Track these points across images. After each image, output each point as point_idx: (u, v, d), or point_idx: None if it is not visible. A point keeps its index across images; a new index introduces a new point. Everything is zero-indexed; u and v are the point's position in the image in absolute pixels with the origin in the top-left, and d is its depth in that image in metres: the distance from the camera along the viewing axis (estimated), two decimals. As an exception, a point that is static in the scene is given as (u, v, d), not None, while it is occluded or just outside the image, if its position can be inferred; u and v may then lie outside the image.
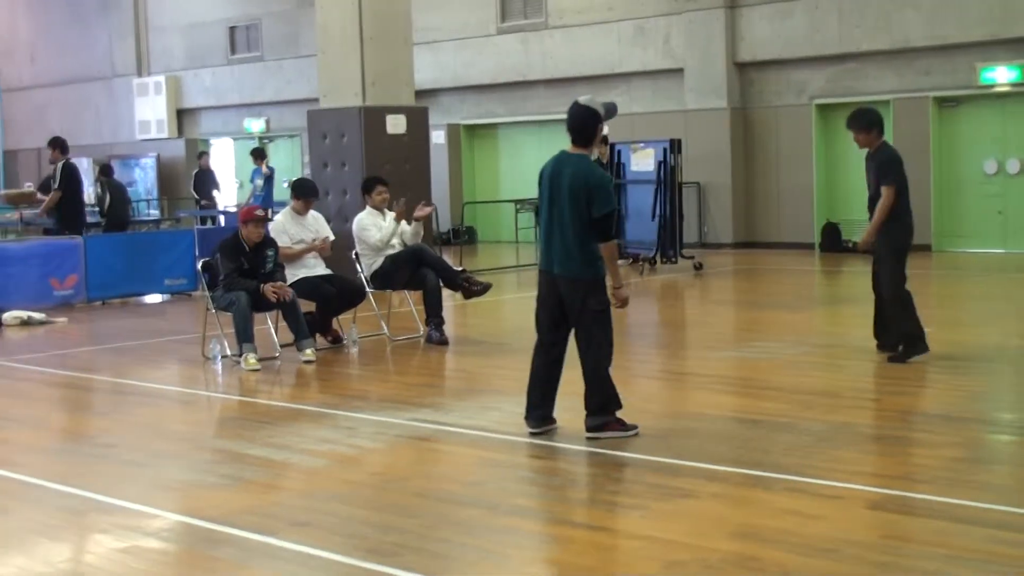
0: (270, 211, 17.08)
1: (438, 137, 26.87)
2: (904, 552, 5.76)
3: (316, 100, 19.69)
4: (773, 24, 23.06)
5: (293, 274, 12.20)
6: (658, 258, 19.93)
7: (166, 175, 32.68)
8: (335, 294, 12.34)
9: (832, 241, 22.42)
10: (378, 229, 12.70)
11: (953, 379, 10.08)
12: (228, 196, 30.82)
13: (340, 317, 12.77)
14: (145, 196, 32.30)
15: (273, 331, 12.20)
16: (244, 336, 11.41)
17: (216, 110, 32.42)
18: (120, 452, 8.41)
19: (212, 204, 27.90)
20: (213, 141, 32.90)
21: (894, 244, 10.59)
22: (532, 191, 25.94)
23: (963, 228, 21.63)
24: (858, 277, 14.42)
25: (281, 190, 25.19)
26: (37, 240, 18.29)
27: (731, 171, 23.61)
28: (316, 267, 12.53)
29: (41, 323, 15.33)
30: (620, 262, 9.40)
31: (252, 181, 25.75)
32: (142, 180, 32.93)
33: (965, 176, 21.57)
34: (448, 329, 12.82)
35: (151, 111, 33.17)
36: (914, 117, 21.38)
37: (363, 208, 13.07)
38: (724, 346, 12.36)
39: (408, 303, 13.50)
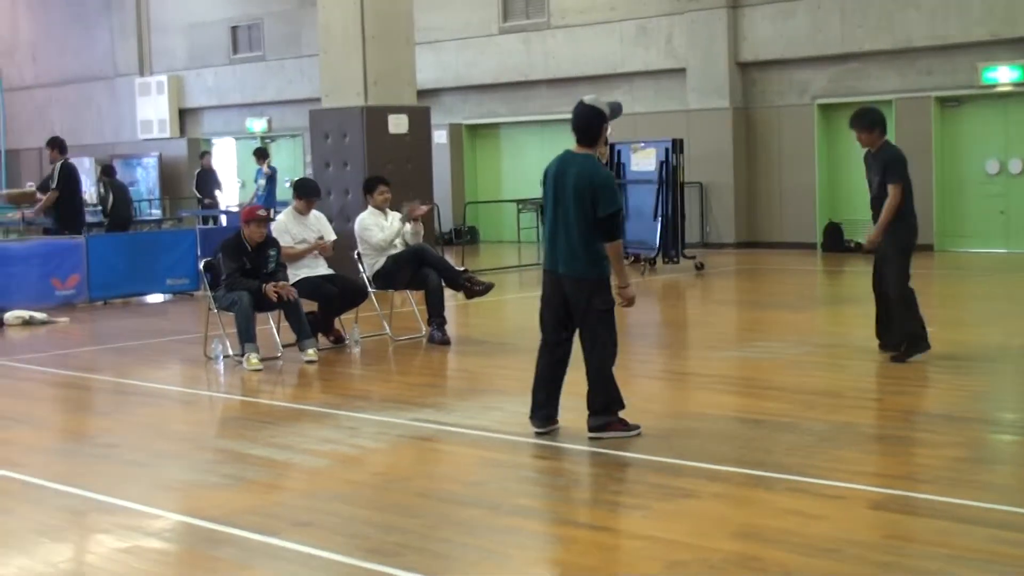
0: (272, 211, 17.10)
1: (440, 137, 26.87)
2: (906, 552, 5.76)
3: (318, 100, 19.69)
4: (775, 24, 23.06)
5: (295, 274, 12.20)
6: (660, 258, 19.92)
7: (168, 175, 32.69)
8: (337, 294, 12.34)
9: (834, 241, 22.42)
10: (380, 229, 12.70)
11: (955, 379, 10.08)
12: (230, 196, 30.83)
13: (342, 317, 12.77)
14: (147, 196, 32.31)
15: (275, 331, 12.20)
16: (246, 336, 11.41)
17: (218, 110, 32.42)
18: (122, 452, 8.40)
19: (215, 204, 27.91)
20: (215, 141, 32.90)
21: (900, 243, 10.60)
22: (534, 191, 26.02)
23: (965, 228, 21.62)
24: (860, 277, 14.41)
25: (283, 190, 25.21)
26: (39, 240, 18.29)
27: (733, 171, 23.60)
28: (318, 267, 12.53)
29: (43, 323, 15.33)
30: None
31: (256, 181, 25.77)
32: (144, 180, 32.93)
33: (967, 176, 21.56)
34: (450, 329, 12.82)
35: (153, 111, 33.18)
36: (916, 117, 21.37)
37: (365, 208, 13.07)
38: (726, 346, 12.35)
39: (410, 303, 13.50)
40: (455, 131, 28.15)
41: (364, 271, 12.85)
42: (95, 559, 6.13)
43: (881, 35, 21.76)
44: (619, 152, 20.64)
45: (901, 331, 10.69)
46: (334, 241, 12.77)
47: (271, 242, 11.93)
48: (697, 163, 22.97)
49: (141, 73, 33.64)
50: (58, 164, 18.61)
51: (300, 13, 29.53)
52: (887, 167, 10.56)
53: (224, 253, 11.71)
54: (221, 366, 11.69)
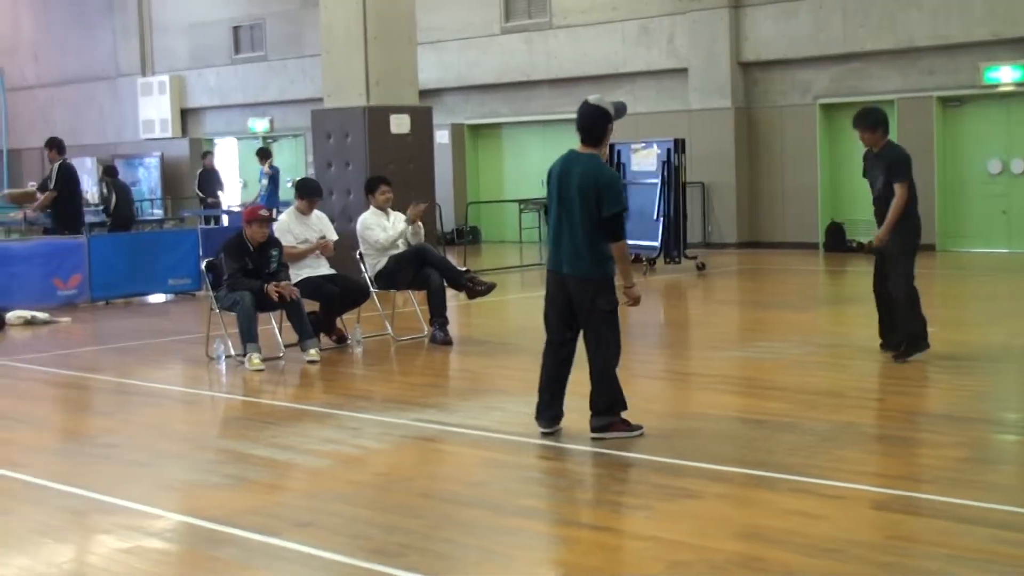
0: (275, 211, 17.10)
1: (442, 137, 26.86)
2: (908, 552, 5.75)
3: (320, 100, 19.68)
4: (777, 24, 23.05)
5: (297, 274, 12.20)
6: (662, 258, 19.89)
7: (170, 175, 32.69)
8: (338, 293, 12.34)
9: (836, 241, 22.41)
10: (382, 229, 12.69)
11: (957, 379, 10.07)
12: (232, 196, 30.82)
13: (344, 317, 12.76)
14: (149, 196, 32.32)
15: (277, 331, 12.19)
16: (248, 336, 11.41)
17: (220, 110, 32.42)
18: (123, 452, 8.40)
19: (217, 204, 27.92)
20: (217, 141, 32.90)
21: (906, 242, 10.62)
22: (536, 191, 25.99)
23: (967, 228, 21.61)
24: (862, 277, 14.38)
25: (286, 190, 25.20)
26: (41, 240, 18.29)
27: (735, 171, 23.59)
28: (320, 267, 12.53)
29: (45, 323, 15.32)
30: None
31: (260, 181, 25.79)
32: (146, 180, 32.94)
33: (969, 176, 21.55)
34: (452, 329, 12.81)
35: (155, 111, 33.17)
36: (918, 117, 21.36)
37: (367, 208, 13.06)
38: (728, 346, 12.34)
39: (412, 303, 13.50)
40: (457, 131, 28.14)
41: (366, 271, 12.84)
42: (96, 559, 6.12)
43: (883, 35, 21.75)
44: (619, 152, 20.63)
45: (903, 330, 10.70)
46: (336, 241, 12.77)
47: (273, 242, 11.93)
48: (699, 163, 22.96)
49: (143, 73, 33.64)
50: (56, 164, 18.63)
51: (302, 13, 29.53)
52: (893, 166, 10.57)
53: (226, 253, 11.71)
54: (223, 366, 11.68)
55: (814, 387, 9.85)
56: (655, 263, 19.79)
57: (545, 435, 8.21)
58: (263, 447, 8.28)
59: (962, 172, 21.58)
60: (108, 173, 22.58)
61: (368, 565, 5.75)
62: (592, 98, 8.23)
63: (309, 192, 12.83)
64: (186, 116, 33.15)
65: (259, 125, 31.49)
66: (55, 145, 18.85)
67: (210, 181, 28.01)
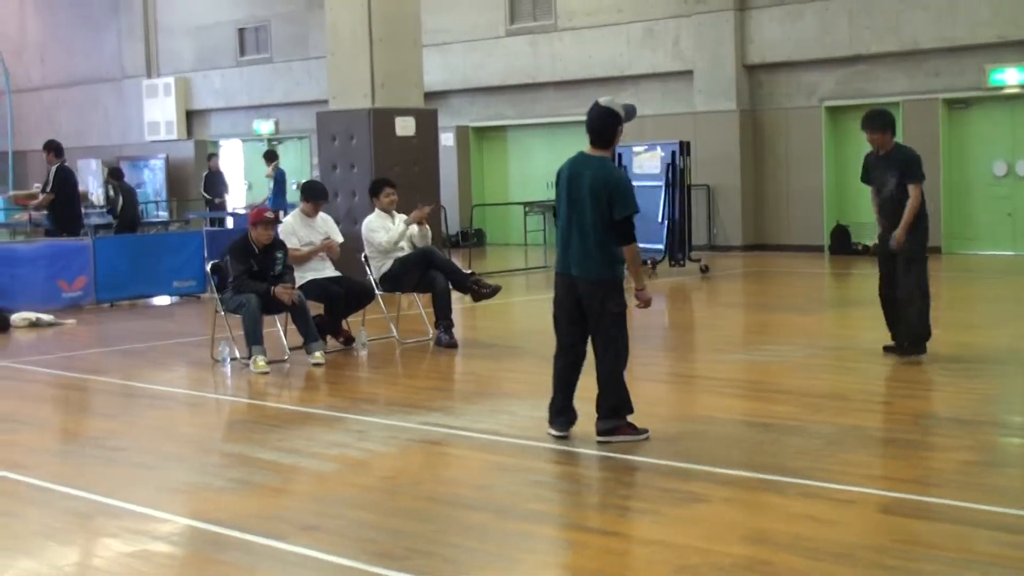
0: (281, 213, 17.09)
1: (447, 139, 26.84)
2: (916, 556, 5.72)
3: (325, 102, 19.69)
4: (783, 26, 23.03)
5: (302, 276, 12.19)
6: (667, 261, 19.86)
7: (175, 177, 32.71)
8: (342, 295, 12.33)
9: (842, 243, 22.39)
10: (386, 231, 12.68)
11: (964, 382, 10.04)
12: (237, 198, 30.84)
13: (349, 320, 12.75)
14: (154, 198, 32.33)
15: (282, 334, 12.18)
16: (253, 339, 11.39)
17: (225, 112, 32.44)
18: (128, 455, 8.39)
19: (223, 205, 27.94)
20: (222, 143, 32.92)
21: (922, 242, 10.67)
22: (541, 193, 25.97)
23: (973, 230, 21.59)
24: (868, 280, 14.34)
25: (293, 192, 25.19)
26: (45, 241, 18.28)
27: (740, 173, 23.58)
28: (325, 269, 12.51)
29: (49, 325, 15.32)
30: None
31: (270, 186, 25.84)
32: (151, 182, 32.97)
33: (974, 178, 21.53)
34: (457, 332, 12.79)
35: (160, 112, 33.20)
36: (924, 119, 21.34)
37: (372, 210, 13.05)
38: (733, 349, 12.33)
39: (417, 306, 13.48)
40: (462, 133, 28.14)
41: (371, 273, 12.83)
42: (101, 562, 6.11)
43: (888, 37, 21.73)
44: (620, 155, 20.59)
45: (909, 331, 10.71)
46: (341, 243, 12.75)
47: (278, 244, 11.91)
48: (704, 165, 22.96)
49: (148, 75, 33.67)
50: (54, 167, 18.63)
51: (307, 15, 29.54)
52: (908, 167, 10.62)
53: (231, 255, 11.70)
54: (228, 369, 11.67)
55: (820, 390, 9.83)
56: (655, 266, 19.73)
57: (560, 439, 8.17)
58: (268, 450, 8.27)
59: (967, 174, 21.56)
60: (113, 175, 22.59)
61: (374, 569, 5.74)
62: (603, 100, 8.21)
63: (314, 195, 12.82)
64: (191, 118, 33.17)
65: (264, 127, 31.50)
66: (53, 148, 18.86)
67: (215, 183, 28.03)
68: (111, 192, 22.13)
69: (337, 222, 13.62)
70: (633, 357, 8.38)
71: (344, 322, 12.67)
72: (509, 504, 6.80)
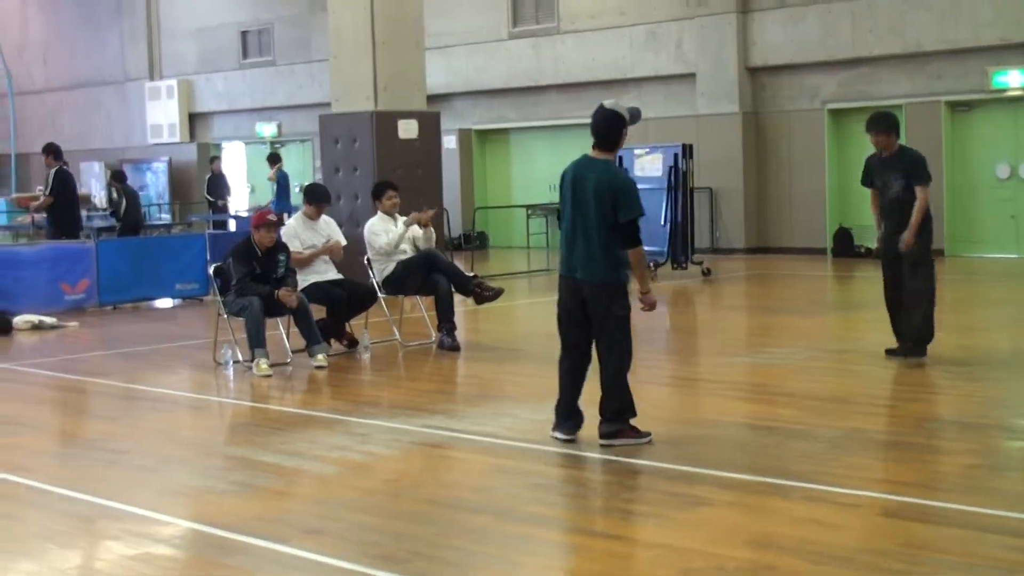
0: (284, 215, 17.10)
1: (450, 142, 26.85)
2: (920, 560, 5.71)
3: (328, 104, 19.69)
4: (786, 29, 23.02)
5: (304, 279, 12.18)
6: (669, 264, 19.85)
7: (178, 179, 32.72)
8: (344, 298, 12.32)
9: (844, 246, 22.37)
10: (387, 234, 12.66)
11: (967, 385, 10.03)
12: (240, 200, 30.85)
13: (352, 323, 12.74)
14: (156, 200, 32.34)
15: (285, 336, 12.17)
16: (256, 341, 11.38)
17: (228, 114, 32.44)
18: (130, 458, 8.38)
19: (226, 208, 27.96)
20: (225, 145, 32.93)
21: (927, 244, 10.68)
22: (544, 196, 25.93)
23: (976, 233, 21.57)
24: (870, 282, 14.37)
25: (295, 195, 25.20)
26: (48, 244, 18.28)
27: (743, 176, 23.57)
28: (327, 272, 12.50)
29: (52, 327, 15.32)
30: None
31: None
32: (153, 184, 32.99)
33: (977, 181, 21.51)
34: (460, 335, 12.78)
35: (163, 115, 33.21)
36: (926, 121, 21.31)
37: (374, 213, 13.04)
38: (736, 352, 12.32)
39: (420, 308, 13.48)
40: (465, 136, 28.13)
41: (374, 276, 12.81)
42: (103, 566, 6.10)
43: (891, 39, 21.72)
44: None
45: (912, 333, 10.70)
46: (344, 246, 12.74)
47: (281, 247, 11.91)
48: (707, 168, 22.95)
49: (151, 77, 33.68)
50: (52, 170, 18.63)
51: (310, 18, 29.55)
52: (915, 169, 10.63)
53: (234, 258, 11.69)
54: (231, 372, 11.66)
55: (823, 393, 9.82)
56: (657, 269, 19.70)
57: (567, 442, 8.15)
58: (271, 453, 8.26)
59: (971, 177, 21.54)
60: (116, 178, 22.62)
61: (376, 572, 5.72)
62: (608, 103, 8.20)
63: (317, 198, 12.81)
64: (194, 121, 33.18)
65: (267, 130, 31.50)
66: (52, 151, 18.88)
67: (218, 186, 28.05)
68: (114, 195, 22.15)
69: (339, 225, 13.61)
70: (636, 360, 8.36)
71: (347, 325, 12.67)
72: (511, 507, 6.78)
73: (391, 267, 12.67)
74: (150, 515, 6.82)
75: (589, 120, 8.21)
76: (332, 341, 12.39)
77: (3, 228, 27.45)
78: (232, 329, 11.88)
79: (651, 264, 19.55)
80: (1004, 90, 20.85)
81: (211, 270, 12.37)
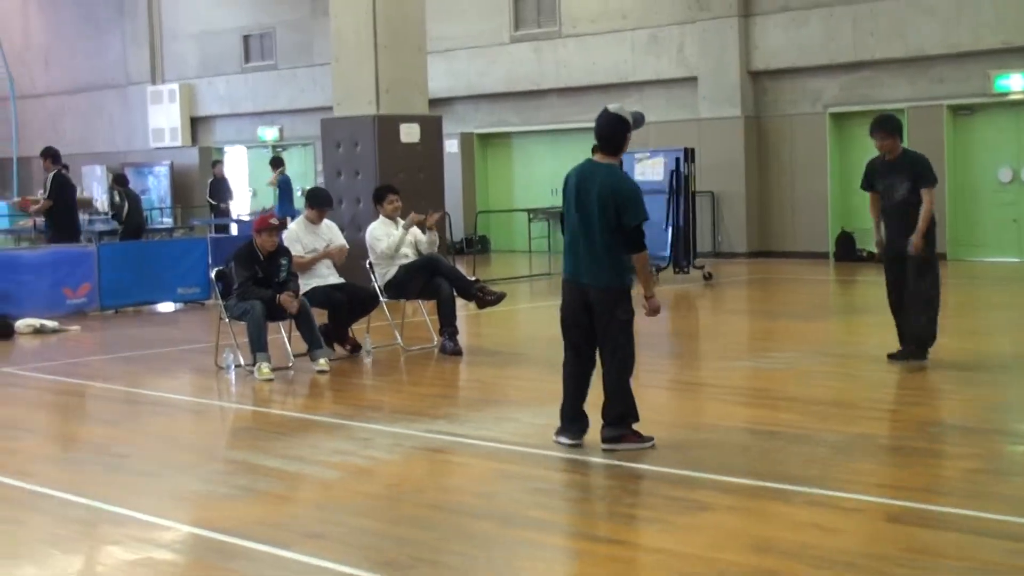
0: (287, 219, 17.10)
1: (452, 146, 26.85)
2: (923, 565, 5.70)
3: (330, 108, 19.69)
4: (787, 32, 23.02)
5: (306, 283, 12.17)
6: (671, 268, 19.84)
7: (180, 183, 32.73)
8: (346, 302, 12.32)
9: (847, 250, 22.35)
10: (388, 238, 12.65)
11: (970, 389, 10.02)
12: (242, 204, 30.84)
13: (354, 327, 12.73)
14: (158, 204, 32.35)
15: (286, 340, 12.16)
16: (258, 345, 11.38)
17: (230, 118, 32.45)
18: (132, 462, 8.38)
19: (228, 212, 27.97)
20: (227, 149, 32.93)
21: (935, 247, 10.70)
22: (546, 200, 25.92)
23: (978, 237, 21.56)
24: (873, 287, 14.34)
25: (297, 199, 25.20)
26: (50, 248, 18.29)
27: (745, 180, 23.55)
28: (329, 276, 12.50)
29: (54, 331, 15.31)
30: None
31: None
32: (155, 188, 32.99)
33: (980, 184, 21.50)
34: (462, 339, 12.76)
35: (165, 119, 33.21)
36: (928, 125, 21.29)
37: (376, 217, 13.04)
38: (738, 356, 12.31)
39: (422, 313, 13.47)
40: (466, 140, 28.13)
41: (376, 280, 12.81)
42: (104, 570, 6.10)
43: (893, 43, 21.71)
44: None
45: (914, 335, 10.71)
46: (347, 250, 12.74)
47: (283, 251, 11.90)
48: (709, 172, 22.94)
49: (153, 81, 33.69)
50: (51, 174, 18.65)
51: (312, 22, 29.56)
52: (921, 172, 10.64)
53: (236, 262, 11.69)
54: (232, 376, 11.66)
55: (825, 398, 9.81)
56: (659, 273, 19.71)
57: (571, 447, 8.14)
58: (273, 458, 8.25)
59: (973, 181, 21.53)
60: (118, 182, 22.64)
61: (378, 577, 5.73)
62: (612, 107, 8.19)
63: (319, 202, 12.82)
64: (196, 125, 33.19)
65: (269, 134, 31.51)
66: (50, 154, 18.90)
67: (220, 190, 28.05)
68: (116, 198, 22.16)
69: (341, 229, 13.61)
70: (639, 364, 8.36)
71: (349, 330, 12.66)
72: (513, 512, 6.78)
73: (393, 271, 12.67)
74: (152, 520, 6.82)
75: (591, 124, 8.21)
76: (335, 346, 12.38)
77: (4, 232, 27.46)
78: (234, 333, 11.88)
79: (653, 268, 19.62)
80: (1006, 94, 20.84)
81: (213, 274, 12.36)
